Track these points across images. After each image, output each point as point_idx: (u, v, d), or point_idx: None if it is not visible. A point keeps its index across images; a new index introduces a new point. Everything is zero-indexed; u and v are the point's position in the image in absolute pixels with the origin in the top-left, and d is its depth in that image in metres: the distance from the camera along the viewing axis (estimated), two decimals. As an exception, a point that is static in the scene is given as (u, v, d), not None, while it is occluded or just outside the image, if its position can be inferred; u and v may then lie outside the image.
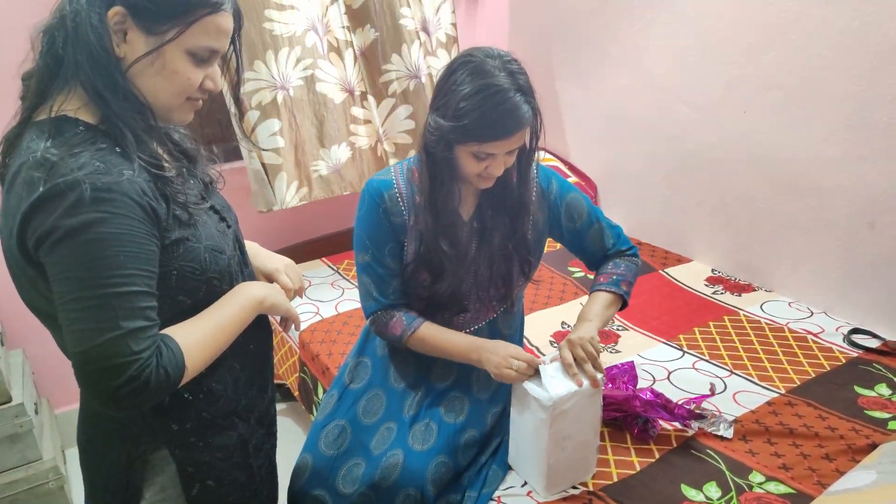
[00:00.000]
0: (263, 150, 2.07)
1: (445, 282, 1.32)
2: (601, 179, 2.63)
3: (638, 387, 1.53)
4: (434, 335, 1.33)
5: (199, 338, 0.87)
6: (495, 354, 1.26)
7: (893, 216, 1.72)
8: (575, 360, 1.24)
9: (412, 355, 1.43)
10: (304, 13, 2.08)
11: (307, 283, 2.23)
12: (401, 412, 1.38)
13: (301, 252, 2.44)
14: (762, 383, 1.61)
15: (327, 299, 2.11)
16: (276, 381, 2.21)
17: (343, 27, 2.18)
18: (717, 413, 1.48)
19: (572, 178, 2.62)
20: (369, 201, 1.31)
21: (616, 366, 1.68)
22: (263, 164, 2.08)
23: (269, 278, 1.13)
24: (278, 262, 1.13)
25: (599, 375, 1.23)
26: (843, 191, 1.82)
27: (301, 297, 1.21)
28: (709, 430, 1.43)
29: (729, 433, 1.42)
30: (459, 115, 1.16)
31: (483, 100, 1.14)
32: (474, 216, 1.35)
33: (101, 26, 0.79)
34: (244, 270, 1.04)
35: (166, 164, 0.89)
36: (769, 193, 2.01)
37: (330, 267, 2.35)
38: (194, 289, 0.89)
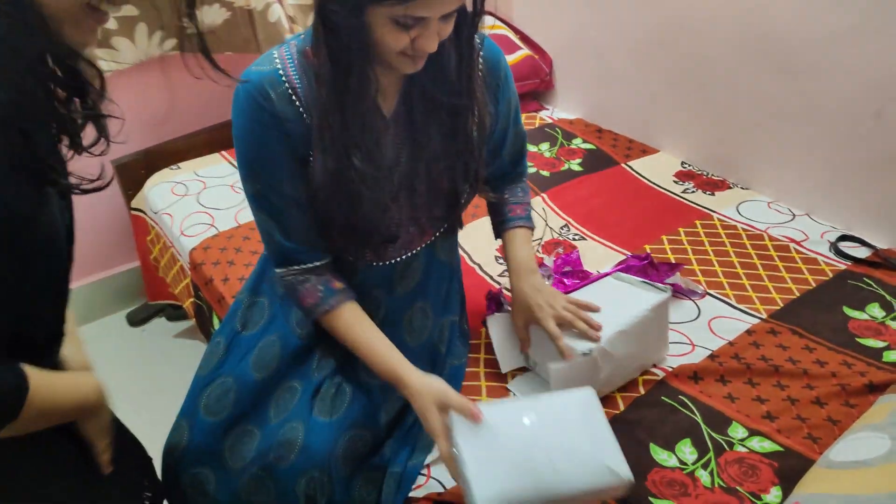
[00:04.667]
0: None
1: (363, 211, 0.97)
2: (557, 53, 2.22)
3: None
4: (353, 332, 1.00)
5: None
6: (421, 406, 0.93)
7: (907, 104, 1.43)
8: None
9: None
10: None
11: (202, 185, 1.83)
12: (309, 369, 1.08)
13: (197, 144, 2.01)
14: (741, 306, 1.37)
15: (225, 206, 1.73)
16: (168, 301, 1.90)
17: None
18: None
19: (523, 51, 2.21)
20: (248, 105, 0.91)
21: (562, 257, 1.44)
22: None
23: None
24: None
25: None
26: (846, 71, 1.50)
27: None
28: (686, 288, 1.39)
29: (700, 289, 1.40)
30: None
31: None
32: (398, 113, 0.98)
33: None
34: None
35: None
36: (756, 73, 1.67)
37: (231, 164, 1.93)
38: None
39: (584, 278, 1.33)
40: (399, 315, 1.13)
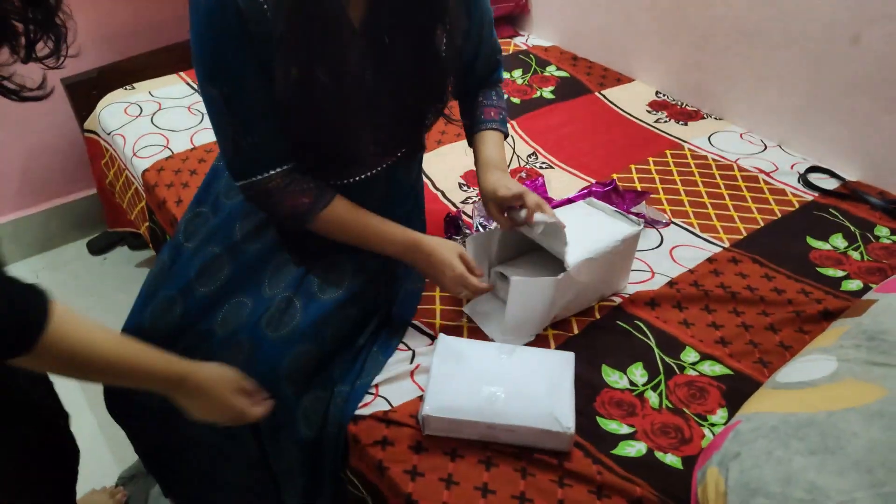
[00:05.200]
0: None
1: (324, 126, 0.93)
2: (534, -25, 2.13)
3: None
4: (355, 217, 1.01)
5: None
6: (446, 267, 1.02)
7: (885, 29, 1.37)
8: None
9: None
10: None
11: (157, 106, 1.75)
12: (261, 287, 1.04)
13: (154, 63, 1.91)
14: (704, 234, 1.35)
15: (181, 128, 1.65)
16: (125, 229, 1.85)
17: None
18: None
19: (499, -28, 2.10)
20: (209, 3, 0.83)
21: (526, 182, 1.40)
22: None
23: None
24: None
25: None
26: (827, -8, 1.44)
27: None
28: (650, 217, 1.36)
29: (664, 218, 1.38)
30: None
31: None
32: (367, 25, 0.92)
33: None
34: None
35: None
36: (737, -6, 1.61)
37: (189, 85, 1.85)
38: None
39: (547, 204, 1.30)
40: None
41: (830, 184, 1.50)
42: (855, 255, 1.30)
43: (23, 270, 1.98)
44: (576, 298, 1.11)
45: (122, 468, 1.44)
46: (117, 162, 1.68)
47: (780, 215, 1.41)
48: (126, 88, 1.80)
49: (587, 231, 1.10)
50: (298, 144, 0.96)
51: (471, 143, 1.18)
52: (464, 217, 1.30)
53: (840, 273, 1.25)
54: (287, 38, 0.85)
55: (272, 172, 0.94)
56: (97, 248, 2.10)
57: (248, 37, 0.85)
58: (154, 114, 1.70)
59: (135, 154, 1.57)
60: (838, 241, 1.34)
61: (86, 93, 1.79)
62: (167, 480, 1.24)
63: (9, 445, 0.91)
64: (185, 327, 1.01)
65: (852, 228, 1.37)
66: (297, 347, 0.98)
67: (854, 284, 1.22)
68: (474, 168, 1.14)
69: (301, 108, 0.91)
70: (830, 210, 1.42)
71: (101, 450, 1.49)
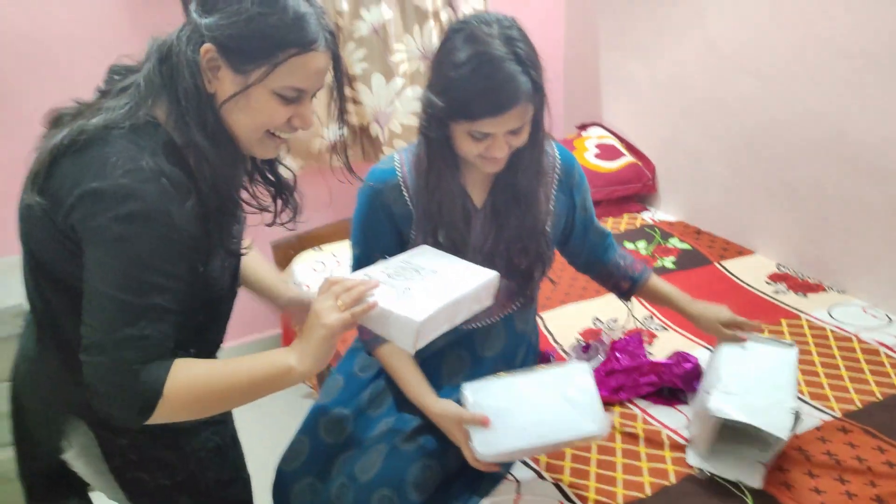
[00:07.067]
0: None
1: None
2: (659, 159, 2.39)
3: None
4: (390, 363, 1.24)
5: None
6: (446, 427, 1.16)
7: None
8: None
9: (425, 350, 1.32)
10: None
11: (337, 264, 2.18)
12: (412, 410, 1.28)
13: (339, 231, 2.39)
14: (814, 402, 1.39)
15: (352, 281, 2.05)
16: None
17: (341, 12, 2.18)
18: None
19: (627, 158, 2.40)
20: (368, 190, 1.21)
21: (623, 338, 1.54)
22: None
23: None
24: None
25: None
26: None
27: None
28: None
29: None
30: (448, 87, 1.05)
31: (473, 70, 1.02)
32: (488, 202, 1.23)
33: (195, 62, 0.82)
34: None
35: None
36: (843, 178, 1.73)
37: (362, 247, 2.29)
38: None
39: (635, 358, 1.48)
40: (486, 372, 1.30)
41: (963, 362, 1.47)
42: None
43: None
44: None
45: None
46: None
47: (901, 389, 1.40)
48: (315, 249, 2.27)
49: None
50: None
51: (628, 297, 1.41)
52: (559, 352, 1.48)
53: (965, 453, 1.22)
54: (423, 216, 1.18)
55: None
56: (274, 378, 2.50)
57: (391, 216, 1.19)
58: (333, 269, 2.12)
59: (315, 301, 1.97)
60: (966, 420, 1.30)
61: (286, 252, 2.29)
62: None
63: None
64: (349, 439, 1.26)
65: (985, 408, 1.32)
66: (424, 460, 1.18)
67: (981, 466, 1.18)
68: (658, 305, 1.50)
69: None
70: (960, 388, 1.39)
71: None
